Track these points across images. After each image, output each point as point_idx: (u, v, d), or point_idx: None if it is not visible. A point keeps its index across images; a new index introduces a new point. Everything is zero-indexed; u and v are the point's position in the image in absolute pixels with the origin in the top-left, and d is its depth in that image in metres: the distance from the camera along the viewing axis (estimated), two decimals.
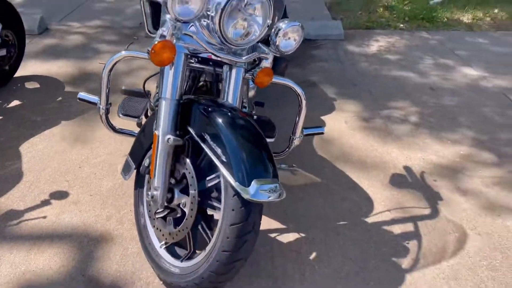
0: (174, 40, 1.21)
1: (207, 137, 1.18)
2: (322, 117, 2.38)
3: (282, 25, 1.26)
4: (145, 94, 1.60)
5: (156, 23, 2.40)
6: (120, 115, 1.68)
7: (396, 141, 2.17)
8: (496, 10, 4.48)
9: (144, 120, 1.69)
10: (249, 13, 1.20)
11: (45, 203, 1.71)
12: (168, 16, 1.14)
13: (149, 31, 2.39)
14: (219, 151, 1.14)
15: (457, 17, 4.27)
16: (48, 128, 2.23)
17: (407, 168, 1.96)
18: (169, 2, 1.07)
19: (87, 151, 2.05)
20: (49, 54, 3.17)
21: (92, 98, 1.59)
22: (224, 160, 1.12)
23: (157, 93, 1.66)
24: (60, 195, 1.75)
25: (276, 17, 1.47)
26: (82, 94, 1.60)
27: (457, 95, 2.68)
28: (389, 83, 2.82)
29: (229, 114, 1.23)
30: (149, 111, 1.72)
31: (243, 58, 1.29)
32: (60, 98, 2.55)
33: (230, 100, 1.34)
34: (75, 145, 2.10)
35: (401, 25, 4.08)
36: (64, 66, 2.98)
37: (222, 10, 1.13)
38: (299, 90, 1.48)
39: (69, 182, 1.83)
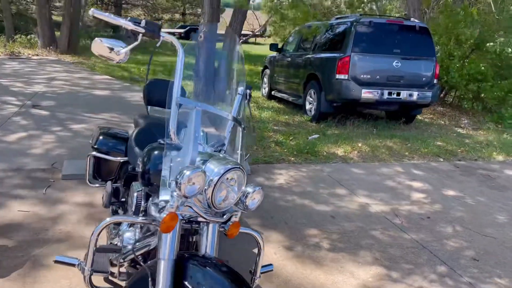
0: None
1: None
2: (254, 250, 2.69)
3: (249, 189, 1.62)
4: (118, 250, 1.76)
5: (98, 175, 2.61)
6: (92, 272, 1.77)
7: (319, 267, 2.57)
8: (360, 144, 5.60)
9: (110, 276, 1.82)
10: (230, 184, 1.54)
11: None
12: (176, 193, 1.42)
13: (88, 181, 2.57)
14: None
15: (332, 151, 5.22)
16: None
17: None
18: (183, 185, 1.36)
19: None
20: None
21: (71, 259, 1.68)
22: None
23: (128, 249, 1.81)
24: None
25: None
26: (60, 257, 1.68)
27: (352, 221, 3.27)
28: (298, 213, 3.32)
29: (216, 264, 1.49)
30: (117, 264, 1.84)
31: (224, 217, 1.59)
32: None
33: (208, 251, 1.60)
34: None
35: (292, 158, 4.83)
36: None
37: (215, 185, 1.46)
38: (258, 237, 1.81)
39: None
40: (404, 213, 3.50)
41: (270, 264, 1.98)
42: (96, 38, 1.47)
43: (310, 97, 7.16)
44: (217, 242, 1.63)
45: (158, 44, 1.55)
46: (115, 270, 1.88)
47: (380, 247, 2.89)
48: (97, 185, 2.57)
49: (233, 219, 1.70)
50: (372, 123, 6.98)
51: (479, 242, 3.08)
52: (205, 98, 1.74)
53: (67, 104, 6.44)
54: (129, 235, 1.92)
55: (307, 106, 7.26)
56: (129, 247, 1.85)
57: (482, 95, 8.64)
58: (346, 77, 6.27)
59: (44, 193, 3.31)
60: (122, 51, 1.48)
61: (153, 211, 1.74)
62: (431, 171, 4.77)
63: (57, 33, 14.21)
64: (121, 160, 2.47)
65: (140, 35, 1.47)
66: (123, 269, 1.90)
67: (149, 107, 2.84)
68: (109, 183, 2.40)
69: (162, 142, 1.79)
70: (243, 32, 8.20)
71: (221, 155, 1.65)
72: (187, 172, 1.37)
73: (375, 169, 4.68)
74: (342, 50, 6.41)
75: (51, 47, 13.43)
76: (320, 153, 5.04)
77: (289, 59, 8.15)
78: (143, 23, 1.47)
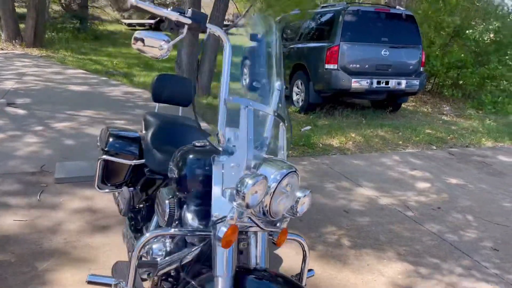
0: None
1: None
2: (275, 252, 2.57)
3: (300, 194, 1.50)
4: (155, 265, 1.60)
5: (106, 179, 2.40)
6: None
7: (346, 267, 2.48)
8: (353, 135, 5.55)
9: None
10: (287, 190, 1.41)
11: None
12: (236, 203, 1.27)
13: (97, 187, 2.37)
14: None
15: (328, 142, 5.15)
16: None
17: None
18: (247, 195, 1.21)
19: None
20: None
21: (106, 279, 1.51)
22: None
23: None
24: None
25: None
26: (92, 277, 1.50)
27: (366, 215, 3.20)
28: (310, 209, 3.21)
29: (272, 276, 1.38)
30: (148, 279, 1.68)
31: (277, 225, 1.46)
32: None
33: (259, 262, 1.46)
34: None
35: (290, 151, 4.71)
36: None
37: (273, 192, 1.32)
38: (304, 242, 1.69)
39: None
40: (413, 204, 3.46)
41: (311, 270, 1.86)
42: (136, 32, 1.29)
43: (297, 87, 7.05)
44: (267, 252, 1.50)
45: (205, 38, 1.37)
46: (146, 284, 1.73)
47: (400, 241, 2.83)
48: (107, 190, 2.38)
49: (282, 226, 1.58)
50: (360, 112, 6.96)
51: (493, 231, 3.07)
52: (251, 95, 1.57)
53: (44, 101, 6.06)
54: (158, 247, 1.75)
55: (294, 97, 7.15)
56: (158, 259, 1.69)
57: (461, 82, 8.79)
58: (336, 67, 6.19)
59: (39, 200, 3.06)
60: (165, 46, 1.31)
61: (189, 220, 1.59)
62: (428, 159, 4.78)
63: (22, 26, 13.47)
64: (135, 163, 2.28)
65: (186, 27, 1.29)
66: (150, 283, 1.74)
67: (157, 104, 2.66)
68: (125, 188, 2.22)
69: (197, 144, 1.64)
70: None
71: (265, 156, 1.52)
72: (250, 181, 1.24)
73: (374, 159, 4.64)
74: (331, 39, 6.32)
75: (16, 40, 12.71)
76: (316, 145, 4.95)
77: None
78: (189, 12, 1.29)
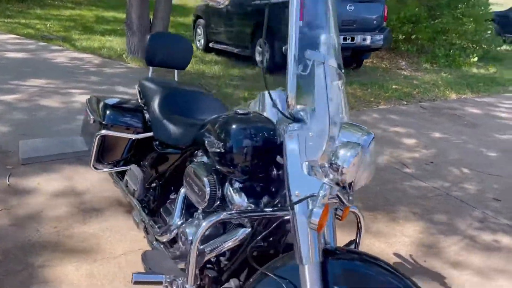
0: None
1: None
2: None
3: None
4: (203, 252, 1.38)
5: (101, 157, 2.09)
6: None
7: (367, 231, 2.38)
8: None
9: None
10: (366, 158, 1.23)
11: None
12: (327, 179, 1.08)
13: (93, 167, 2.06)
14: None
15: None
16: None
17: (398, 255, 2.17)
18: (346, 170, 1.03)
19: None
20: None
21: (155, 277, 1.27)
22: None
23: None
24: None
25: None
26: (138, 275, 1.26)
27: None
28: None
29: (351, 255, 1.23)
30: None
31: (350, 199, 1.29)
32: None
33: (328, 241, 1.30)
34: None
35: None
36: None
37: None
38: (359, 213, 1.55)
39: None
40: (407, 160, 3.44)
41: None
42: None
43: (260, 47, 6.76)
44: (335, 229, 1.34)
45: None
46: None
47: (408, 199, 2.78)
48: (105, 170, 2.07)
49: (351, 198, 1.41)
50: None
51: (489, 182, 3.12)
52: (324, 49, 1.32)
53: None
54: (192, 231, 1.53)
55: (257, 57, 6.87)
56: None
57: (414, 36, 8.93)
58: (302, 23, 5.93)
59: (9, 184, 2.65)
60: None
61: (237, 199, 1.38)
62: (405, 115, 4.80)
63: None
64: (138, 137, 1.98)
65: None
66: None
67: (150, 68, 2.33)
68: (134, 166, 1.93)
69: (240, 112, 1.40)
70: None
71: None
72: (348, 153, 1.07)
73: (353, 117, 4.53)
74: None
75: None
76: None
77: (230, 6, 7.55)
78: None
